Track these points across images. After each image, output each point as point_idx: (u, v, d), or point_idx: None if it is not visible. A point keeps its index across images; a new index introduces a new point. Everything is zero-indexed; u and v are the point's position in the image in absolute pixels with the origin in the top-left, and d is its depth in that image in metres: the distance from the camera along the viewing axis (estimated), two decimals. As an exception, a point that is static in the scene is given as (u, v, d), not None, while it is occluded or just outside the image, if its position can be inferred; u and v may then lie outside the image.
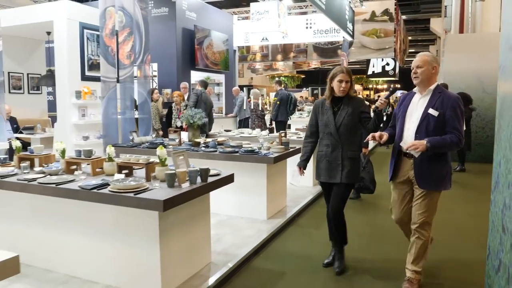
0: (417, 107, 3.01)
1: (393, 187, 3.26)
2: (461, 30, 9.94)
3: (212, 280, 3.20)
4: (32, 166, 3.73)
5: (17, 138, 6.67)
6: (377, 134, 3.06)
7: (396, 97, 19.13)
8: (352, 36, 13.95)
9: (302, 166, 3.59)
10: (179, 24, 9.47)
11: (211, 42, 10.79)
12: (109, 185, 2.95)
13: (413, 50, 30.87)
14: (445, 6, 11.26)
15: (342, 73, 3.32)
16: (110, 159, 3.41)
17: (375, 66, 21.52)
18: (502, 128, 2.10)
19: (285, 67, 23.35)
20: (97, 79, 6.97)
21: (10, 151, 5.99)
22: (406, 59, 24.06)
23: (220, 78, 11.77)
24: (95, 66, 7.07)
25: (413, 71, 3.02)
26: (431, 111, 2.88)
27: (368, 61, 20.72)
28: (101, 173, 3.46)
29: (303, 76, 30.28)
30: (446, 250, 4.02)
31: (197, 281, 3.20)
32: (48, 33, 7.65)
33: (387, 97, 3.26)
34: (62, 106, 6.80)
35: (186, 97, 8.35)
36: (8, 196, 3.42)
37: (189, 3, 9.89)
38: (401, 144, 3.02)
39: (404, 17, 19.91)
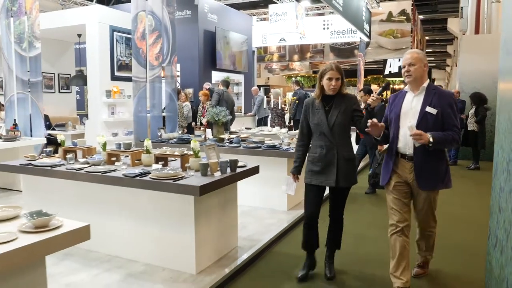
0: (412, 106, 2.91)
1: (390, 192, 3.07)
2: (476, 31, 10.10)
3: (239, 261, 3.54)
4: (75, 157, 4.13)
5: (49, 135, 7.18)
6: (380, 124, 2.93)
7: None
8: (369, 36, 14.16)
9: (296, 172, 3.41)
10: (201, 26, 9.86)
11: (231, 43, 11.16)
12: (149, 173, 3.32)
13: (430, 50, 30.80)
14: (461, 8, 11.41)
15: (332, 70, 3.13)
16: (147, 151, 3.78)
17: (392, 66, 21.61)
18: (500, 122, 2.38)
19: (302, 67, 23.63)
20: (125, 79, 7.42)
21: (47, 145, 6.46)
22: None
23: (240, 78, 12.13)
24: (123, 66, 7.50)
25: (405, 69, 2.91)
26: (429, 109, 2.80)
27: (385, 61, 20.84)
28: (139, 164, 3.84)
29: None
30: (463, 242, 4.30)
31: (226, 261, 3.54)
32: (79, 35, 8.12)
33: (380, 94, 3.14)
34: (93, 104, 7.25)
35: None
36: (57, 184, 3.82)
37: (210, 5, 10.28)
38: (409, 134, 2.78)
39: (421, 17, 19.98)
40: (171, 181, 3.12)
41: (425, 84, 2.90)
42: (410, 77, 2.89)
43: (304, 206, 3.38)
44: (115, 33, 7.29)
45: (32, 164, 3.85)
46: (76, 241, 2.06)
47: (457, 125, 2.82)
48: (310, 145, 3.34)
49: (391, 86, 34.18)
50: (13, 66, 6.37)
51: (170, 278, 3.21)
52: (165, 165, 3.76)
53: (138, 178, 3.26)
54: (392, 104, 3.06)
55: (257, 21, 15.89)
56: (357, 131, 5.87)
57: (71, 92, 9.50)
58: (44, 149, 4.71)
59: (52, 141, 7.19)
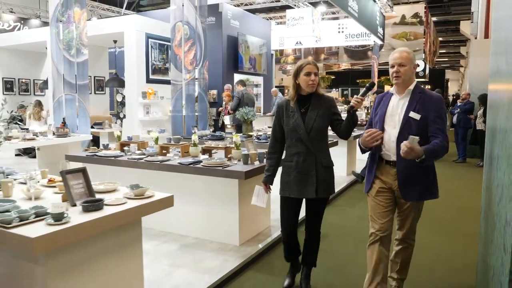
0: (397, 110, 2.70)
1: (372, 198, 2.85)
2: (486, 36, 10.65)
3: (272, 237, 4.23)
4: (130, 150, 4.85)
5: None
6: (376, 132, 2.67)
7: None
8: (383, 39, 14.75)
9: (269, 182, 3.12)
10: (225, 31, 10.59)
11: (251, 47, 11.86)
12: (201, 162, 4.03)
13: (444, 51, 31.18)
14: (472, 12, 11.95)
15: (309, 64, 2.86)
16: (195, 144, 4.49)
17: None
18: (490, 118, 2.99)
19: (316, 68, 24.22)
20: (158, 81, 8.17)
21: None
22: (436, 59, 24.52)
23: (259, 80, 12.83)
24: (157, 70, 8.25)
25: (394, 69, 2.67)
26: (412, 114, 2.61)
27: (398, 62, 21.29)
28: (187, 155, 4.55)
29: (333, 77, 31.05)
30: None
31: (262, 237, 4.23)
32: (115, 41, 8.89)
33: (364, 95, 2.81)
34: (130, 104, 8.00)
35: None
36: (117, 171, 4.54)
37: (233, 12, 11.00)
38: (405, 145, 2.46)
39: (434, 18, 20.45)
40: (220, 168, 3.82)
41: (411, 86, 2.69)
42: (398, 79, 2.67)
43: (280, 222, 3.15)
44: (150, 40, 8.04)
45: (97, 155, 4.58)
46: (163, 206, 2.77)
47: (444, 130, 2.62)
48: (284, 153, 3.06)
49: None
50: (62, 70, 7.15)
51: (218, 248, 3.91)
52: (210, 156, 4.46)
53: (192, 165, 3.97)
54: (378, 107, 2.83)
55: (275, 24, 16.55)
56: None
57: (104, 94, 10.29)
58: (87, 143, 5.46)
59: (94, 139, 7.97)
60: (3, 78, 10.33)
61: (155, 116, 8.14)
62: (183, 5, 6.65)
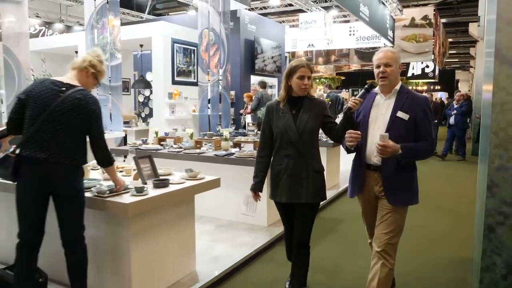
0: (382, 110, 2.62)
1: (361, 206, 2.86)
2: (492, 39, 11.15)
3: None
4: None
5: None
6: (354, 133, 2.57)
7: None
8: (393, 42, 15.28)
9: (257, 189, 2.97)
10: (242, 35, 11.22)
11: (266, 50, 12.48)
12: (233, 154, 4.65)
13: (454, 52, 31.51)
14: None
15: (303, 67, 2.77)
16: (226, 139, 5.12)
17: (415, 68, 22.61)
18: (483, 116, 3.55)
19: (326, 69, 24.81)
20: (183, 83, 8.83)
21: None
22: (446, 60, 24.94)
23: (274, 81, 13.44)
24: (181, 72, 8.91)
25: (380, 70, 2.59)
26: (400, 114, 2.54)
27: (408, 63, 21.85)
28: (219, 148, 5.17)
29: (343, 78, 31.54)
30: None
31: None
32: (141, 45, 9.56)
33: (362, 96, 2.70)
34: (157, 104, 8.67)
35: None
36: (159, 163, 5.15)
37: (250, 17, 11.63)
38: (377, 144, 2.46)
39: (444, 20, 20.88)
40: (251, 159, 4.44)
41: (398, 86, 2.63)
42: (385, 80, 2.59)
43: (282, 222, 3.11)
44: (175, 44, 8.70)
45: (140, 149, 5.23)
46: (212, 187, 3.40)
47: (431, 133, 2.57)
48: (273, 157, 2.92)
49: (414, 88, 34.99)
50: (97, 73, 7.81)
51: (249, 228, 4.53)
52: (239, 149, 5.08)
53: (226, 157, 4.60)
54: (361, 107, 2.72)
55: (289, 27, 17.16)
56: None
57: (130, 94, 10.98)
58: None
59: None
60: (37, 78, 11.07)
61: (180, 115, 8.80)
62: (209, 12, 7.28)
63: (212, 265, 3.54)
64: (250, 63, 11.58)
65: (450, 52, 27.67)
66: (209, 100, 7.49)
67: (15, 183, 2.54)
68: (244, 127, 9.54)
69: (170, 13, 16.87)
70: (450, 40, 25.67)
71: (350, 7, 9.32)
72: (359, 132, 2.55)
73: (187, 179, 3.29)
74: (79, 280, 2.65)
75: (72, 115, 2.53)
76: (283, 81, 2.85)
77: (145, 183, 3.05)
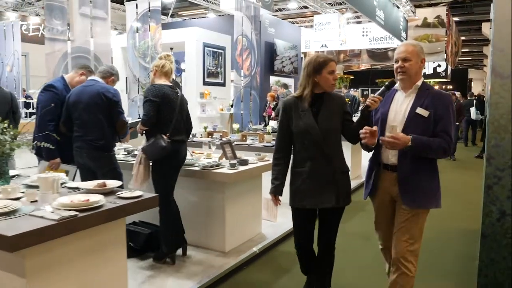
0: (401, 107, 2.63)
1: (374, 207, 2.89)
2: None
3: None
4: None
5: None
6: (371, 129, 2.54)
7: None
8: (405, 42, 16.54)
9: (278, 193, 2.91)
10: (263, 38, 12.51)
11: (284, 51, 13.79)
12: (279, 144, 5.92)
13: (467, 50, 32.61)
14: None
15: (332, 61, 2.75)
16: (269, 133, 6.39)
17: (427, 67, 23.78)
18: (490, 112, 4.78)
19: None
20: (212, 84, 10.12)
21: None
22: (459, 59, 26.12)
23: (290, 81, 14.75)
24: (211, 74, 10.20)
25: (398, 64, 2.60)
26: (419, 110, 2.53)
27: (420, 63, 22.96)
28: (262, 141, 6.43)
29: (352, 77, 32.68)
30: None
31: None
32: (171, 48, 10.86)
33: (381, 94, 2.70)
34: (189, 103, 9.93)
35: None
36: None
37: (270, 21, 12.97)
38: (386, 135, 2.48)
39: (457, 18, 22.01)
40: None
41: (419, 82, 2.63)
42: (403, 74, 2.59)
43: (294, 235, 3.03)
44: (206, 48, 9.99)
45: (193, 141, 6.50)
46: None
47: (449, 132, 2.53)
48: (292, 159, 2.89)
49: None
50: (137, 74, 9.10)
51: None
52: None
53: (273, 147, 5.86)
54: (380, 104, 2.70)
55: (305, 28, 18.46)
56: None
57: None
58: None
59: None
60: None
61: (210, 114, 10.09)
62: (242, 18, 8.58)
63: (274, 229, 4.81)
64: (269, 64, 12.87)
65: (462, 50, 28.81)
66: (243, 100, 8.77)
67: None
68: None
69: (179, 12, 18.10)
70: (463, 38, 26.82)
71: (367, 12, 10.58)
72: (374, 128, 2.52)
73: (256, 162, 4.56)
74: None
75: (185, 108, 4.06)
76: (305, 78, 2.78)
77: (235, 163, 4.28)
